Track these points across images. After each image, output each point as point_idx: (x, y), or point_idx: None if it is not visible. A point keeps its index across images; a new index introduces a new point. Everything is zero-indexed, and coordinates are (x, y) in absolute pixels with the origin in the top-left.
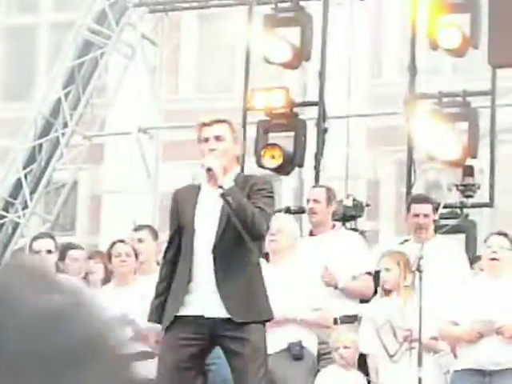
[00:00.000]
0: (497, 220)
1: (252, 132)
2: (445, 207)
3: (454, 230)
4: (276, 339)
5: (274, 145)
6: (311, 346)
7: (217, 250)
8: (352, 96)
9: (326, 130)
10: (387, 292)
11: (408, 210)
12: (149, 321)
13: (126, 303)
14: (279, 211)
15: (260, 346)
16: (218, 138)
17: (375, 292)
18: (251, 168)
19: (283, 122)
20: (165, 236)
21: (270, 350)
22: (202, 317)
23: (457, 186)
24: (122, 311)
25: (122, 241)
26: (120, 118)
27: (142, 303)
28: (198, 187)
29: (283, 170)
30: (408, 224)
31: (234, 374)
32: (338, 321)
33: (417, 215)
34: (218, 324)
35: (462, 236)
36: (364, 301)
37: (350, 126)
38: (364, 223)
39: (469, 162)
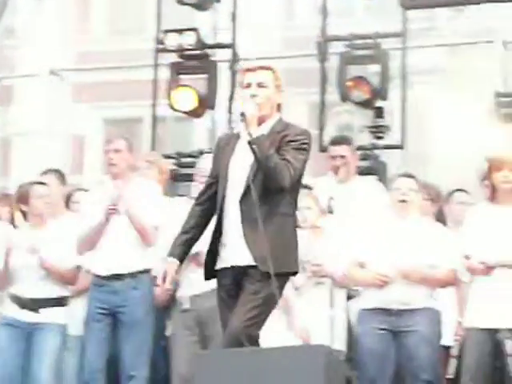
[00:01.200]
0: (407, 162)
1: (164, 74)
2: (357, 149)
3: (365, 172)
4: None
5: (186, 86)
6: None
7: (244, 199)
8: (264, 38)
9: (237, 72)
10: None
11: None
12: (169, 256)
13: (43, 244)
14: (192, 154)
15: (269, 293)
16: (260, 85)
17: None
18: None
19: (195, 64)
20: (76, 179)
21: (200, 290)
22: (232, 267)
23: (368, 127)
24: (37, 252)
25: (41, 183)
26: (30, 60)
27: (57, 244)
28: (238, 135)
29: (195, 112)
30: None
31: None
32: None
33: (333, 157)
34: (244, 271)
35: (373, 178)
36: None
37: None
38: None
39: (380, 103)
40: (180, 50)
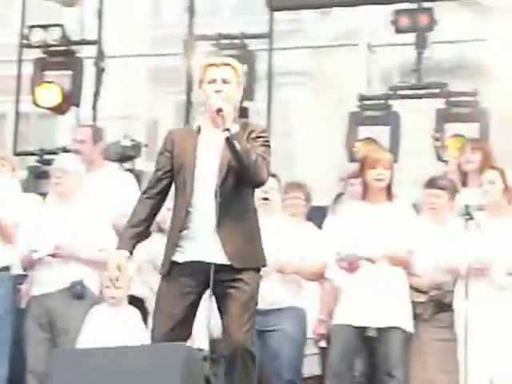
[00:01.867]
0: (273, 162)
1: (28, 70)
2: None
3: None
4: (58, 277)
5: (50, 83)
6: (92, 285)
7: (218, 194)
8: (131, 36)
9: (103, 70)
10: None
11: None
12: (118, 249)
13: None
14: (55, 151)
15: (255, 295)
16: (224, 81)
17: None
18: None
19: (60, 60)
20: None
21: (51, 288)
22: (201, 262)
23: None
24: None
25: None
26: None
27: None
28: (198, 130)
29: (59, 109)
30: None
31: (225, 317)
32: None
33: None
34: (218, 269)
35: None
36: None
37: (129, 67)
38: (142, 163)
39: (246, 104)
40: (45, 46)
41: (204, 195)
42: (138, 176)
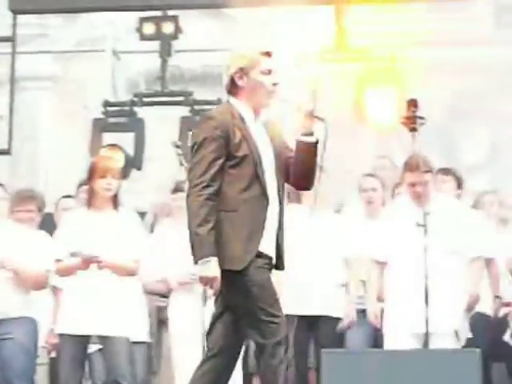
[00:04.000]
0: (15, 168)
1: None
2: None
3: None
4: None
5: None
6: None
7: (279, 194)
8: None
9: None
10: None
11: None
12: (212, 256)
13: None
14: None
15: None
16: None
17: None
18: None
19: None
20: None
21: None
22: (269, 257)
23: None
24: None
25: None
26: None
27: None
28: (241, 117)
29: None
30: None
31: None
32: None
33: None
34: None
35: None
36: None
37: None
38: None
39: None
40: None
41: (272, 191)
42: None
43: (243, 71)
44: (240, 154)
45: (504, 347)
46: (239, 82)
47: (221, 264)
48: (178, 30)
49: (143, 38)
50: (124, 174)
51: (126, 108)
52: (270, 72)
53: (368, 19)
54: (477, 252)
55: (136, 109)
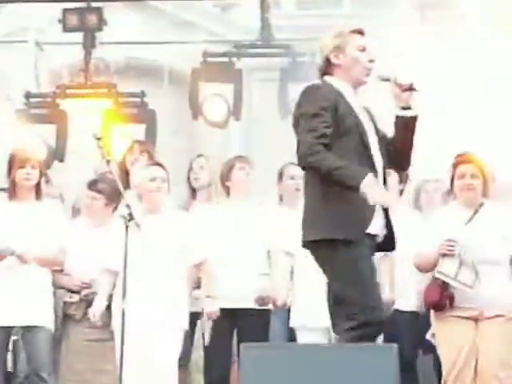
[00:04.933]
0: None
1: None
2: None
3: None
4: None
5: None
6: None
7: (384, 171)
8: None
9: None
10: None
11: None
12: (361, 177)
13: None
14: None
15: None
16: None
17: None
18: None
19: None
20: None
21: None
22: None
23: None
24: None
25: None
26: None
27: None
28: (339, 93)
29: None
30: None
31: None
32: None
33: None
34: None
35: None
36: None
37: None
38: None
39: None
40: None
41: (379, 166)
42: None
43: (339, 49)
44: (346, 125)
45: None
46: (335, 61)
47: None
48: (102, 21)
49: (66, 29)
50: (46, 165)
51: (49, 99)
52: (364, 49)
53: (293, 14)
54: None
55: (59, 100)
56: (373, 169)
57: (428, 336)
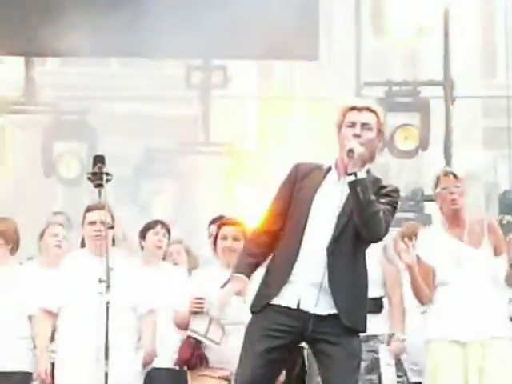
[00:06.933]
0: None
1: None
2: None
3: None
4: None
5: None
6: None
7: (333, 245)
8: None
9: None
10: None
11: None
12: (239, 273)
13: None
14: None
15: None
16: (364, 126)
17: None
18: None
19: None
20: None
21: None
22: (298, 310)
23: None
24: None
25: None
26: None
27: None
28: (328, 170)
29: None
30: None
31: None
32: None
33: None
34: (320, 321)
35: None
36: None
37: None
38: None
39: None
40: None
41: (315, 241)
42: None
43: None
44: (294, 206)
45: None
46: None
47: None
48: None
49: None
50: None
51: None
52: (353, 124)
53: (58, 71)
54: (151, 306)
55: None
56: (295, 256)
57: None
